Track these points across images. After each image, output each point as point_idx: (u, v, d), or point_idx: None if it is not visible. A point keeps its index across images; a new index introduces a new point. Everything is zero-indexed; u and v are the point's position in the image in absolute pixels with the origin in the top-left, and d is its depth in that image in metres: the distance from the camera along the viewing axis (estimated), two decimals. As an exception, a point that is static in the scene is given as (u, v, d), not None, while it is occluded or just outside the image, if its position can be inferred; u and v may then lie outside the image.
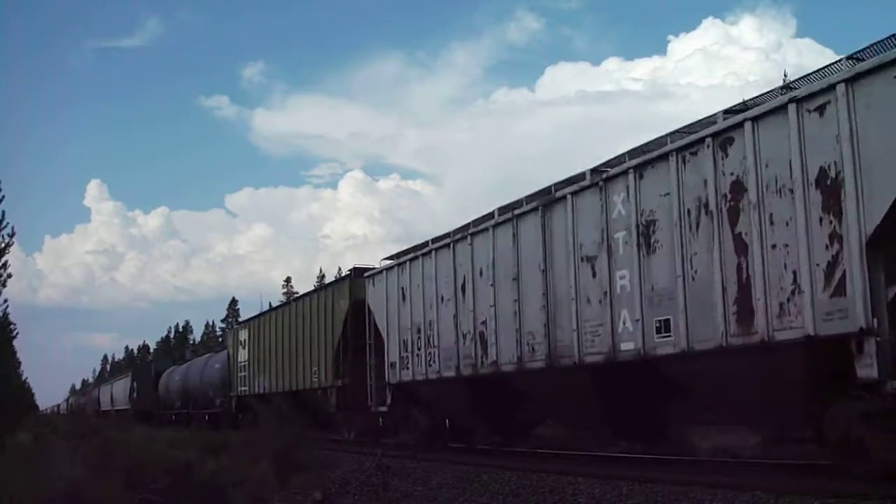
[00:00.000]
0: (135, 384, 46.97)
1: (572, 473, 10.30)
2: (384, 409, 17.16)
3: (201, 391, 31.82)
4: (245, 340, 27.24)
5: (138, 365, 77.92)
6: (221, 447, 14.40)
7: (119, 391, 54.62)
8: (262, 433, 16.06)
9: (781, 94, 8.94)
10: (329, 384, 19.68)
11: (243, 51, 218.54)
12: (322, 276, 76.75)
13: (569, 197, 11.52)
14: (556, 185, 12.26)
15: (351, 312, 18.70)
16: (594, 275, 10.96)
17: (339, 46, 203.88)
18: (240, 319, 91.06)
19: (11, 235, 12.79)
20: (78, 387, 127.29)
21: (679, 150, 9.77)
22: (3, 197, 12.47)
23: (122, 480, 8.76)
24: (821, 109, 8.01)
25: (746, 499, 7.71)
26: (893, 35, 8.16)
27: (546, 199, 12.15)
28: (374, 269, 17.96)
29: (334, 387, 19.34)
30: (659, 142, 10.57)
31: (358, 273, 19.13)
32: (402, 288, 16.17)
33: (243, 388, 26.81)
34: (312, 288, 23.27)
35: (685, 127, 10.36)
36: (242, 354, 27.23)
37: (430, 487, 10.75)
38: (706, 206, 9.32)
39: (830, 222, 7.90)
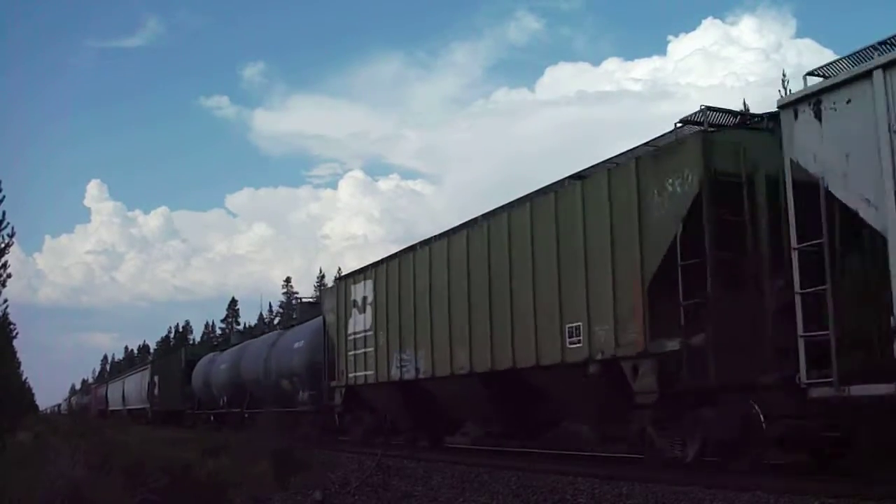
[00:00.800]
0: (156, 378, 39.79)
1: (572, 473, 10.30)
2: None
3: (267, 383, 23.33)
4: (367, 298, 17.47)
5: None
6: (221, 447, 14.40)
7: (133, 387, 46.96)
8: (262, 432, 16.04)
9: None
10: (635, 350, 10.20)
11: (243, 51, 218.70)
12: (322, 276, 76.60)
13: None
14: None
15: (708, 197, 9.52)
16: None
17: (340, 47, 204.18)
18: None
19: (11, 235, 12.79)
20: (78, 387, 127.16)
21: None
22: (4, 197, 12.47)
23: (122, 480, 8.76)
24: None
25: (746, 499, 7.71)
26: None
27: None
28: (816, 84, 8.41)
29: (652, 355, 9.94)
30: None
31: (719, 116, 10.37)
32: None
33: (364, 373, 17.33)
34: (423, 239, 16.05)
35: None
36: (360, 321, 17.69)
37: (431, 487, 10.74)
38: None
39: None
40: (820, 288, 8.04)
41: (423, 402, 15.69)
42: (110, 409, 56.87)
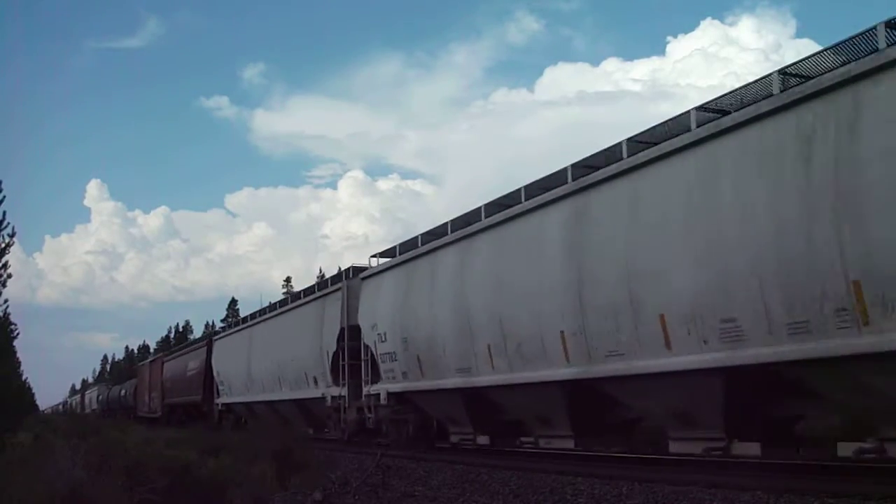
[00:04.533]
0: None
1: (572, 473, 10.30)
2: None
3: None
4: None
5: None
6: (221, 447, 14.38)
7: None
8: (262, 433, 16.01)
9: None
10: None
11: (243, 51, 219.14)
12: (322, 276, 76.52)
13: None
14: None
15: None
16: None
17: (339, 47, 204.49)
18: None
19: (12, 235, 12.79)
20: (78, 386, 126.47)
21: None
22: (4, 197, 12.47)
23: (122, 480, 8.74)
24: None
25: (746, 499, 7.71)
26: None
27: None
28: None
29: None
30: None
31: None
32: None
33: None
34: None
35: None
36: None
37: (430, 487, 10.73)
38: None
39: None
40: None
41: None
42: (227, 404, 26.76)
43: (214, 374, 29.85)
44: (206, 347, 31.36)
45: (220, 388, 29.45)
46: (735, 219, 8.59)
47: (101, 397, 58.76)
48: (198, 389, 31.06)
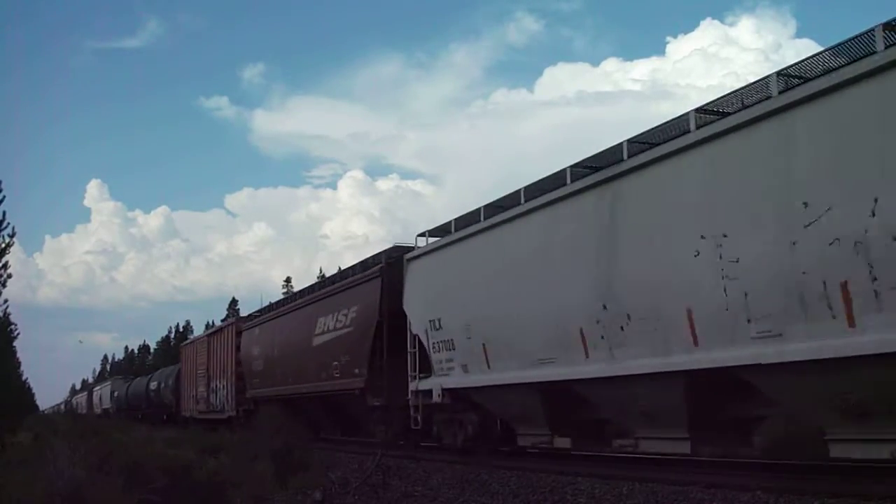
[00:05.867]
0: None
1: (572, 473, 10.29)
2: None
3: None
4: None
5: None
6: (221, 447, 14.39)
7: None
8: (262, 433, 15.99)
9: None
10: None
11: (243, 52, 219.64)
12: (322, 275, 76.50)
13: None
14: None
15: None
16: None
17: (339, 48, 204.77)
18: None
19: (12, 236, 12.79)
20: (78, 386, 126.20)
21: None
22: (4, 197, 12.47)
23: (122, 480, 8.75)
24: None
25: (746, 499, 7.71)
26: None
27: None
28: None
29: None
30: None
31: None
32: None
33: None
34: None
35: None
36: None
37: (430, 487, 10.73)
38: None
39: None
40: None
41: None
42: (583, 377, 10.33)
43: (418, 333, 14.68)
44: (378, 279, 16.09)
45: (437, 356, 14.15)
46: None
47: (116, 394, 44.98)
48: (354, 367, 16.57)
